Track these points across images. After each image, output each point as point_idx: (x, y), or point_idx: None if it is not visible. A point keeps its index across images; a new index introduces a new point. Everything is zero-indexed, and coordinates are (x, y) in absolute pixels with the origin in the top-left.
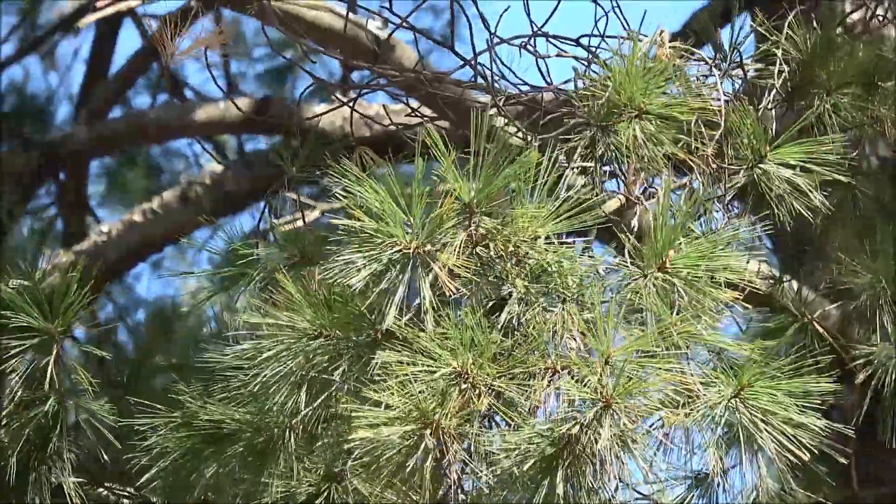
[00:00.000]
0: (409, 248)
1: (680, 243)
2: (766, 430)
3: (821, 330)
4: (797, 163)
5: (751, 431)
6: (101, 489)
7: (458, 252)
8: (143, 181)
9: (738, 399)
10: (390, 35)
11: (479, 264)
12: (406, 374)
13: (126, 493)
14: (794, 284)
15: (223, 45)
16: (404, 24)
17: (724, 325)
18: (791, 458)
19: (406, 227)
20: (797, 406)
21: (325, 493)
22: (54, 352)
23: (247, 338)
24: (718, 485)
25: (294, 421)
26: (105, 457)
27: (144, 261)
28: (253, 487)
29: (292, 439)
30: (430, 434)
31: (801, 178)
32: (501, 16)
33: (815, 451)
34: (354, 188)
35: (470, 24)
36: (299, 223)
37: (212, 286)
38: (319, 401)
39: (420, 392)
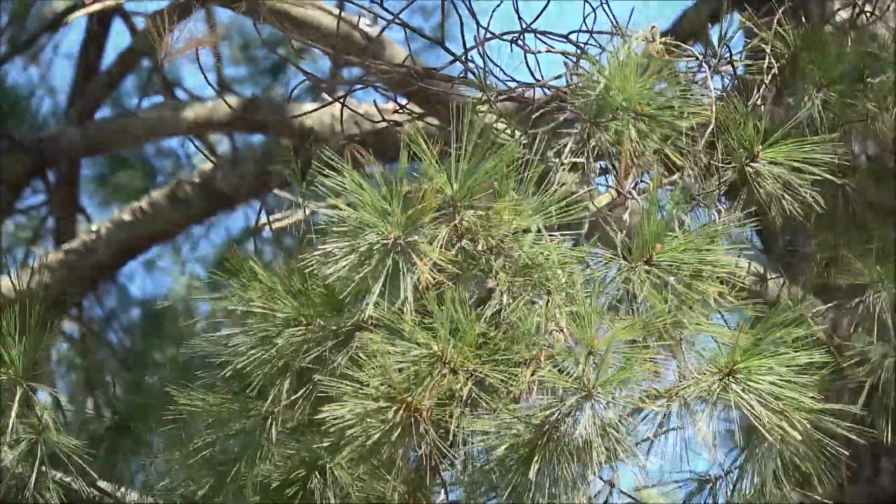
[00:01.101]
0: (389, 239)
1: (667, 237)
2: (762, 409)
3: (815, 327)
4: (789, 162)
5: (745, 410)
6: None
7: (442, 245)
8: (135, 180)
9: (730, 377)
10: (381, 31)
11: (464, 258)
12: (384, 356)
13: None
14: (782, 282)
15: (215, 44)
16: (396, 20)
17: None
18: (786, 436)
19: (387, 218)
20: (793, 383)
21: (304, 479)
22: (17, 396)
23: (227, 326)
24: (720, 486)
25: (276, 409)
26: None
27: (135, 259)
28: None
29: (273, 427)
30: (401, 412)
31: (793, 177)
32: (493, 11)
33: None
34: (336, 180)
35: (461, 20)
36: (289, 221)
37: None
38: (304, 390)
39: (397, 372)
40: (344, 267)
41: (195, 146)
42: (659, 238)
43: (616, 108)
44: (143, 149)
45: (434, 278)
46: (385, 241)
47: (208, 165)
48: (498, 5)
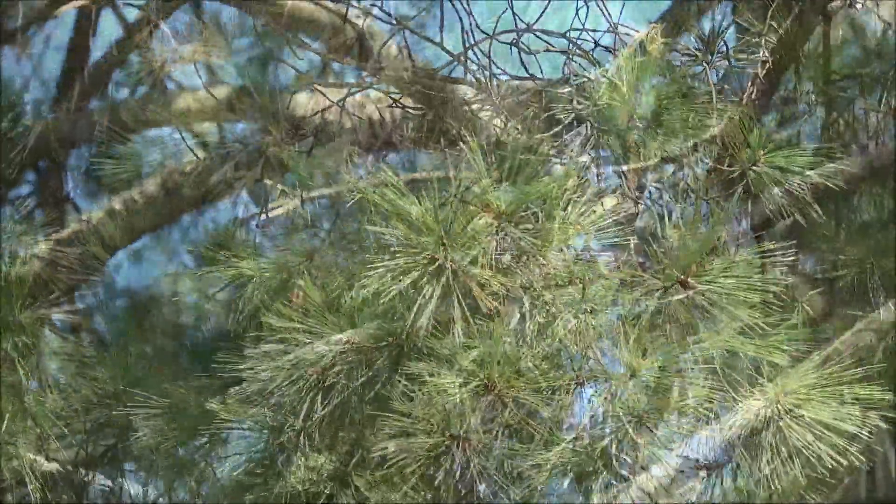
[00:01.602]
0: (446, 262)
1: (702, 260)
2: (807, 436)
3: (810, 311)
4: (790, 168)
5: (793, 437)
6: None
7: (490, 263)
8: (124, 171)
9: (779, 404)
10: (387, 41)
11: (503, 270)
12: (435, 386)
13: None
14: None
15: (207, 50)
16: (400, 25)
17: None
18: (834, 463)
19: (439, 239)
20: (845, 416)
21: (331, 493)
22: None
23: (262, 340)
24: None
25: (309, 424)
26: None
27: (124, 250)
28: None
29: (306, 442)
30: (457, 447)
31: (795, 181)
32: (500, 17)
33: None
34: (389, 198)
35: (461, 21)
36: (281, 210)
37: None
38: (334, 405)
39: (448, 404)
40: (395, 286)
41: (183, 140)
42: (696, 259)
43: (631, 116)
44: (133, 139)
45: (493, 306)
46: (441, 265)
47: (200, 155)
48: (503, 12)
